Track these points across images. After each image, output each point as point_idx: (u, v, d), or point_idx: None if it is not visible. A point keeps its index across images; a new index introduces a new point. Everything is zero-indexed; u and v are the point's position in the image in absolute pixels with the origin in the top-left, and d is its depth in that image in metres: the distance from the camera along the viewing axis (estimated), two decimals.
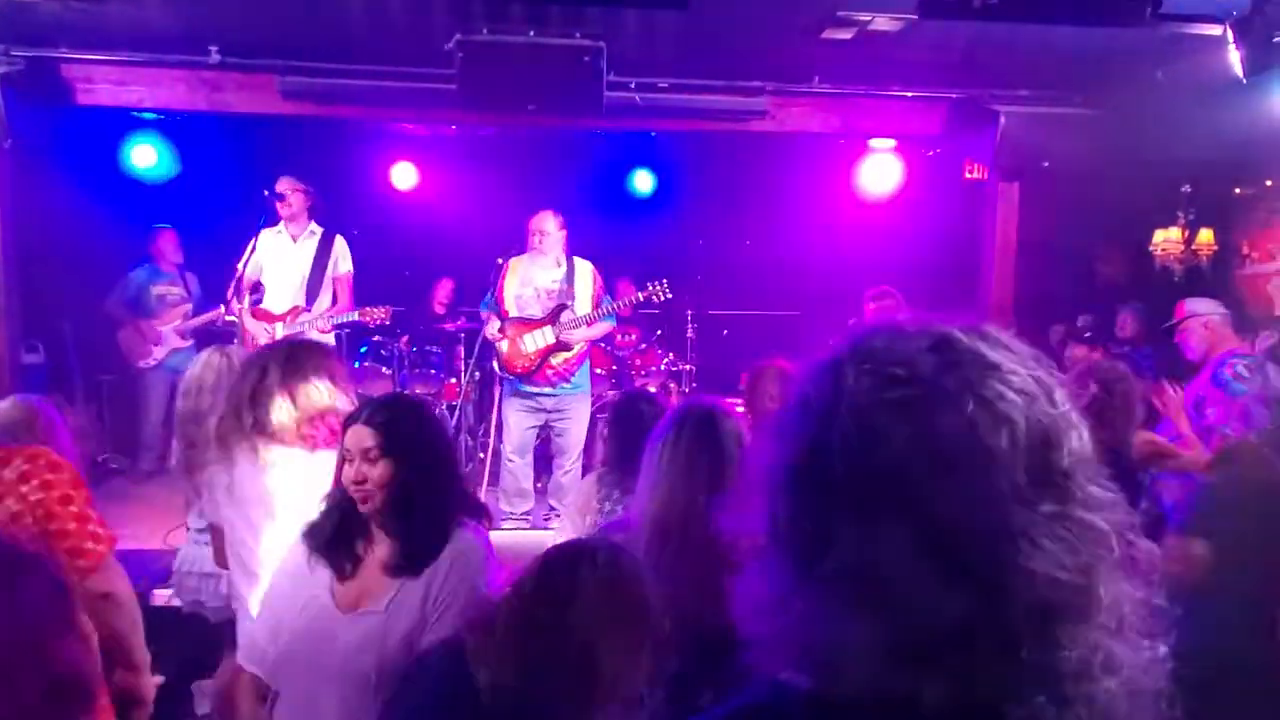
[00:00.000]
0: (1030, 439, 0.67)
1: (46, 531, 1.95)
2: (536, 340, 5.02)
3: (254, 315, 5.02)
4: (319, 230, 5.24)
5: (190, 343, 6.31)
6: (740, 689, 0.74)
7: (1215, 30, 4.12)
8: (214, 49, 5.08)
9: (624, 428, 2.87)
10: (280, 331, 5.00)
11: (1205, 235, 6.99)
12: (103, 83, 5.28)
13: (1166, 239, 7.04)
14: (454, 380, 6.49)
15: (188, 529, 3.48)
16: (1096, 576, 0.67)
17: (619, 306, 5.20)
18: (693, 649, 1.71)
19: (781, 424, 0.73)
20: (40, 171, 5.79)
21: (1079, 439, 0.70)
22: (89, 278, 6.36)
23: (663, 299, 5.25)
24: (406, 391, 5.99)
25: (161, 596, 3.98)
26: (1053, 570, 0.65)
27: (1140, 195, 6.59)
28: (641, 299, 5.26)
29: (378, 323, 5.19)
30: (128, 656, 2.09)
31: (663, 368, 6.93)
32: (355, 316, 5.18)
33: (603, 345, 6.70)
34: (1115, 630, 0.68)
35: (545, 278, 5.10)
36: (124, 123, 6.49)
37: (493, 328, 5.11)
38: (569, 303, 5.06)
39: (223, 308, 5.11)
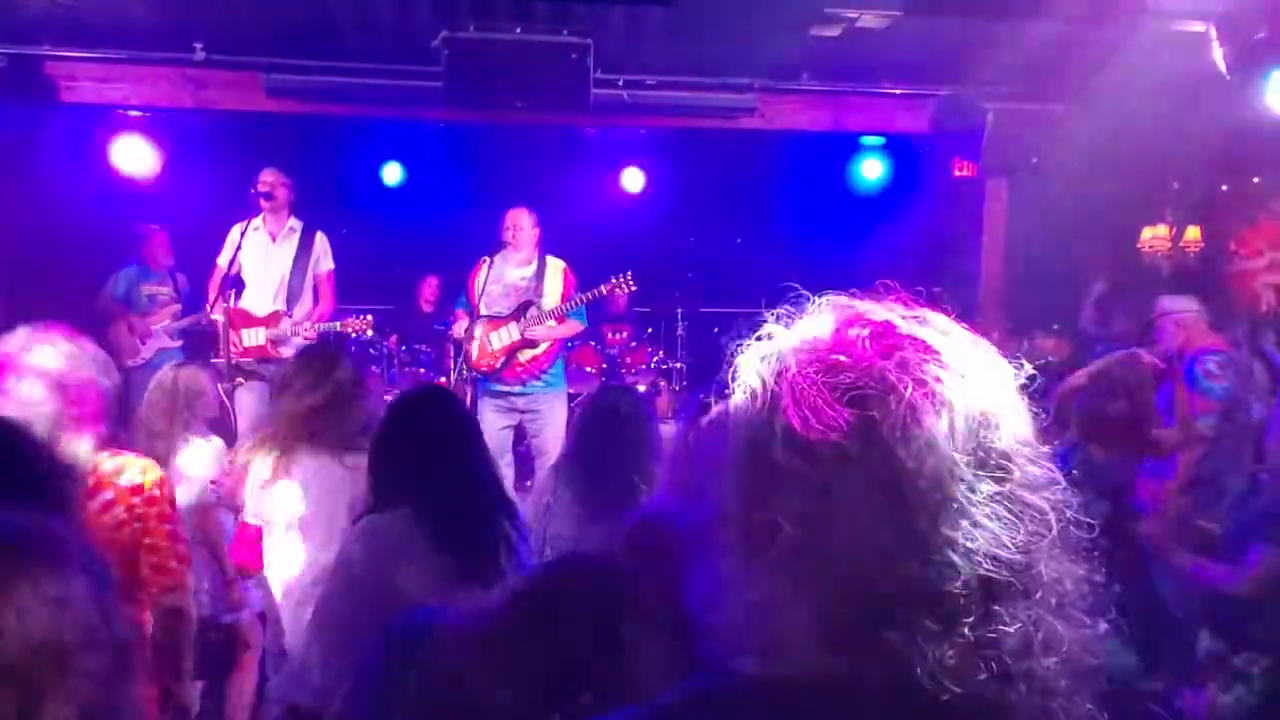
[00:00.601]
0: (969, 421, 0.69)
1: (138, 544, 2.03)
2: (502, 337, 4.98)
3: (233, 316, 4.94)
4: (299, 226, 5.16)
5: (179, 343, 6.26)
6: (690, 678, 0.75)
7: (1200, 27, 4.13)
8: (199, 46, 5.05)
9: (591, 421, 2.84)
10: (263, 335, 4.96)
11: (1192, 232, 7.02)
12: (86, 80, 5.25)
13: (1154, 235, 7.07)
14: (444, 379, 6.48)
15: None
16: (1037, 554, 0.69)
17: (587, 298, 5.11)
18: None
19: (727, 416, 0.75)
20: (23, 169, 5.75)
21: (1018, 420, 0.72)
22: (73, 276, 6.31)
23: (626, 291, 5.22)
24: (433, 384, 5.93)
25: None
26: (993, 548, 0.67)
27: (1128, 192, 6.61)
28: (605, 292, 5.22)
29: (359, 333, 5.16)
30: (179, 668, 2.19)
31: (653, 366, 6.94)
32: (337, 328, 5.13)
33: (594, 344, 6.69)
34: (1056, 607, 0.70)
35: (515, 274, 5.06)
36: (109, 120, 6.44)
37: (460, 326, 5.08)
38: (536, 300, 5.02)
39: (208, 308, 5.07)
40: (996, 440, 0.69)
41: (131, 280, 6.23)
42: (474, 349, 5.02)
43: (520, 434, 5.28)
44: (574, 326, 5.13)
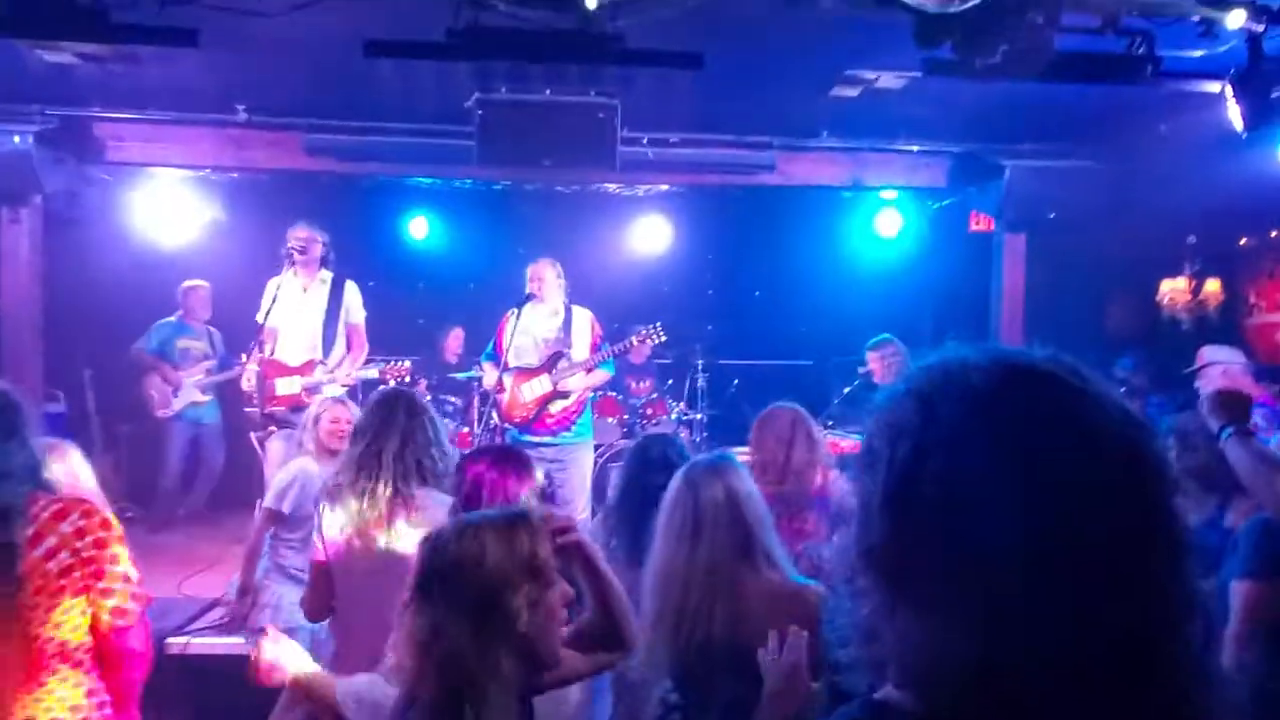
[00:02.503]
0: (1123, 463, 0.68)
1: (91, 588, 2.03)
2: (534, 389, 5.04)
3: (267, 366, 4.98)
4: (329, 277, 5.21)
5: (209, 398, 6.37)
6: (837, 711, 0.74)
7: (1214, 87, 4.21)
8: (241, 108, 5.24)
9: (630, 471, 2.92)
10: (298, 384, 5.00)
11: (1212, 285, 7.05)
12: (133, 140, 5.44)
13: (1173, 289, 7.10)
14: (467, 429, 6.53)
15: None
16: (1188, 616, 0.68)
17: (617, 349, 5.18)
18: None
19: (868, 455, 0.74)
20: (66, 224, 5.93)
21: (1164, 459, 0.71)
22: (109, 328, 6.45)
23: (657, 341, 5.30)
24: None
25: (176, 645, 3.98)
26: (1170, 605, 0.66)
27: (1146, 246, 6.66)
28: (635, 343, 5.29)
29: (399, 379, 5.22)
30: (125, 702, 2.17)
31: (673, 417, 6.96)
32: (375, 374, 5.19)
33: (615, 395, 6.74)
34: (1205, 676, 0.69)
35: (543, 326, 5.14)
36: (154, 179, 6.62)
37: (490, 378, 5.12)
38: (566, 350, 5.08)
39: (244, 357, 5.13)
40: (1149, 481, 0.68)
41: (167, 334, 6.35)
42: (505, 400, 5.08)
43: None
44: (602, 376, 5.19)
